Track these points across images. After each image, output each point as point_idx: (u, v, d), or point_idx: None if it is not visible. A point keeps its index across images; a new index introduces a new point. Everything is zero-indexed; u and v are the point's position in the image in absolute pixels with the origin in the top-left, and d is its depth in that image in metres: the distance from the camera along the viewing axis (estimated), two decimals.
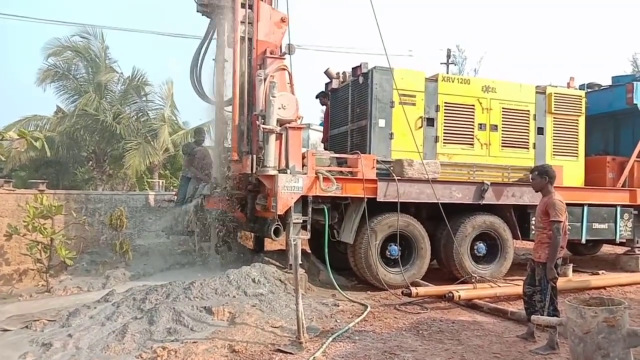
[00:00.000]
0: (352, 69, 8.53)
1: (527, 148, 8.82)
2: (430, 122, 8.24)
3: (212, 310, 5.48)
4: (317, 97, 9.97)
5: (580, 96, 9.33)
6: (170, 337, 4.94)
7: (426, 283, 7.34)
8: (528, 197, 8.09)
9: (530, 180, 5.57)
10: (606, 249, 11.69)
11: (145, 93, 17.80)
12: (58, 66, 16.71)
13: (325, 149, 9.44)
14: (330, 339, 5.08)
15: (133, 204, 9.60)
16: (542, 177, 5.27)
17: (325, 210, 7.28)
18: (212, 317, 5.42)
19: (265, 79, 7.53)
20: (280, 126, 7.20)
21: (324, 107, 10.13)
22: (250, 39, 7.86)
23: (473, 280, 7.13)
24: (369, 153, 7.77)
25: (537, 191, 5.44)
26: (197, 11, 8.47)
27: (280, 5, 8.26)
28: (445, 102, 8.32)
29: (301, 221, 7.14)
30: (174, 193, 10.63)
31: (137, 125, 17.16)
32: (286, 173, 6.99)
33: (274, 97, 7.16)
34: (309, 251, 8.70)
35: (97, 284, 7.34)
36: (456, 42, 26.81)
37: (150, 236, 9.10)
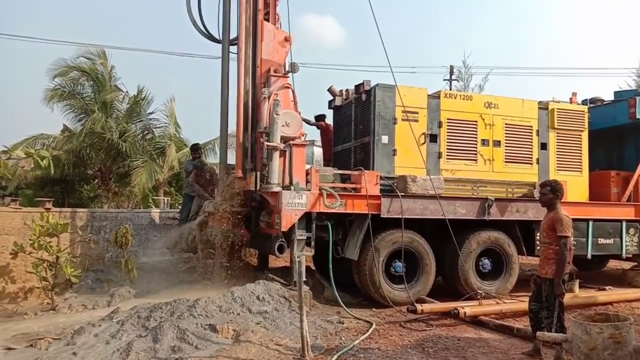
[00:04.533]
0: (355, 86, 8.59)
1: (531, 163, 8.83)
2: (433, 138, 8.28)
3: (217, 328, 5.47)
4: (315, 118, 10.13)
5: (583, 111, 9.36)
6: (174, 355, 4.92)
7: (431, 300, 7.30)
8: (532, 212, 8.08)
9: (539, 195, 5.56)
10: (613, 264, 11.59)
11: (150, 112, 17.94)
12: (65, 85, 16.88)
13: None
14: (335, 356, 5.05)
15: (138, 222, 9.63)
16: (555, 193, 5.27)
17: (330, 226, 7.29)
18: (216, 335, 5.40)
19: (269, 97, 7.62)
20: (284, 143, 7.26)
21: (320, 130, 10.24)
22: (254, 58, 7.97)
23: (478, 297, 7.08)
24: (373, 169, 7.79)
25: (544, 206, 5.43)
26: None
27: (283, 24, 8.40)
28: (448, 119, 8.37)
29: (305, 238, 7.15)
30: (178, 210, 10.68)
31: (142, 143, 17.27)
32: (290, 190, 7.02)
33: (277, 114, 7.23)
34: (314, 268, 8.68)
35: (102, 302, 7.36)
36: (462, 58, 26.54)
37: (155, 254, 9.11)
